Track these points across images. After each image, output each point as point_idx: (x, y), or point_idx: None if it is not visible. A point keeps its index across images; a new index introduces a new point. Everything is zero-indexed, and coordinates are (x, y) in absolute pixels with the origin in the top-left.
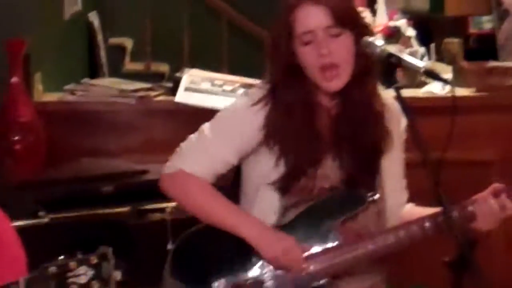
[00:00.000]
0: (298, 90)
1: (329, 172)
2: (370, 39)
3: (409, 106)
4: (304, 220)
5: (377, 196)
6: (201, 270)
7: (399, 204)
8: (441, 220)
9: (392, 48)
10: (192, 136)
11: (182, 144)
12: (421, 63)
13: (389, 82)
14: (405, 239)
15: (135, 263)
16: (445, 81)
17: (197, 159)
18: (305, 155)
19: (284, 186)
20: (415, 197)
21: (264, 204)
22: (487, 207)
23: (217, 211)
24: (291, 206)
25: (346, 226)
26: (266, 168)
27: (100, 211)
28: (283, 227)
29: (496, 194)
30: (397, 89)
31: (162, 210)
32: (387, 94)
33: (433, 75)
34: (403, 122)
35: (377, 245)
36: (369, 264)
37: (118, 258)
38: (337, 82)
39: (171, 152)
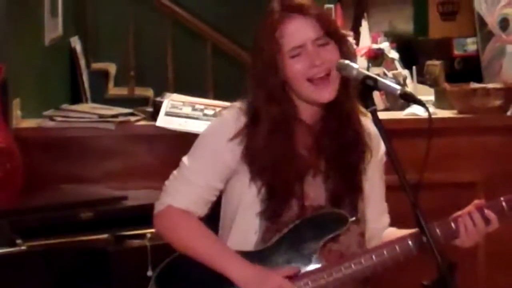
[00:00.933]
0: (281, 108)
1: (313, 192)
2: (346, 61)
3: (385, 128)
4: (287, 242)
5: (359, 216)
6: None
7: (380, 228)
8: (424, 239)
9: (375, 70)
10: (174, 171)
11: (166, 182)
12: (397, 86)
13: (366, 104)
14: (388, 259)
15: None
16: (421, 104)
17: (182, 192)
18: (289, 182)
19: (270, 215)
20: (396, 221)
21: (243, 225)
22: (470, 223)
23: (205, 252)
24: (274, 226)
25: (329, 248)
26: (244, 190)
27: (79, 238)
28: (266, 249)
29: (478, 210)
30: (374, 112)
31: (141, 236)
32: (367, 119)
33: (409, 98)
34: (383, 146)
35: (360, 266)
36: (352, 285)
37: (98, 285)
38: (330, 91)
39: (152, 177)
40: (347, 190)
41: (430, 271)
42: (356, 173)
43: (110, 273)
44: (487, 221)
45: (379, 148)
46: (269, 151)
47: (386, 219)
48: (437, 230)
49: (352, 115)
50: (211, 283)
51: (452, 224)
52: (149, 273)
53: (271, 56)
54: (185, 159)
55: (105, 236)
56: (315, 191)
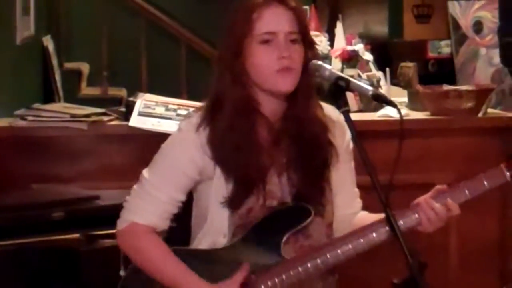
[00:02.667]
0: (246, 93)
1: (277, 189)
2: (319, 62)
3: (357, 130)
4: (253, 238)
5: (325, 208)
6: None
7: (351, 213)
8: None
9: (350, 72)
10: (135, 186)
11: (127, 197)
12: (369, 87)
13: (338, 105)
14: (356, 247)
15: None
16: (393, 105)
17: (143, 207)
18: (251, 170)
19: (233, 203)
20: None
21: (213, 225)
22: (432, 213)
23: (166, 273)
24: (241, 227)
25: (300, 243)
26: (214, 188)
27: (51, 238)
28: (231, 247)
29: (440, 198)
30: (346, 113)
31: (113, 235)
32: (331, 108)
33: (381, 99)
34: (348, 133)
35: (327, 257)
36: (319, 276)
37: (69, 285)
38: (291, 83)
39: (125, 177)
40: (311, 185)
41: (401, 269)
42: (321, 168)
43: (82, 273)
44: (449, 209)
45: (344, 136)
46: (232, 136)
47: (358, 204)
48: (401, 221)
49: (315, 111)
50: None
51: (415, 216)
52: (121, 272)
53: (241, 37)
54: (145, 172)
55: (76, 235)
56: (280, 190)
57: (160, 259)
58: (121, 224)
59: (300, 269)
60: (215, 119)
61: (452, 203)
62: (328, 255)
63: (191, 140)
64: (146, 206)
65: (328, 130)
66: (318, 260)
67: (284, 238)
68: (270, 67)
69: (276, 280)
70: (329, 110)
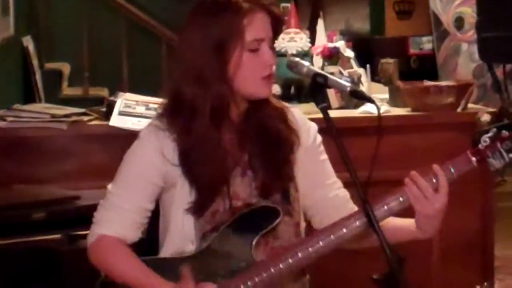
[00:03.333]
0: (221, 107)
1: (240, 190)
2: (297, 59)
3: (338, 127)
4: (222, 243)
5: (292, 207)
6: None
7: (342, 202)
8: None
9: (331, 69)
10: (101, 200)
11: (95, 212)
12: (347, 84)
13: (316, 101)
14: (328, 244)
15: None
16: (371, 101)
17: (110, 219)
18: (216, 175)
19: (197, 209)
20: None
21: (180, 232)
22: (413, 186)
23: (136, 285)
24: (209, 232)
25: (266, 242)
26: (177, 196)
27: (31, 238)
28: (200, 254)
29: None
30: (324, 109)
31: None
32: (294, 108)
33: (359, 95)
34: (313, 127)
35: (299, 256)
36: (293, 278)
37: (50, 285)
38: (270, 88)
39: (106, 177)
40: (275, 181)
41: (377, 266)
42: (282, 162)
43: (63, 273)
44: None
45: (308, 134)
46: (203, 144)
47: (343, 193)
48: (384, 207)
49: (273, 109)
50: None
51: (399, 199)
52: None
53: (230, 43)
54: (110, 186)
55: (57, 236)
56: (245, 191)
57: (128, 271)
58: (90, 238)
59: (272, 270)
60: (183, 125)
61: (439, 171)
62: (299, 254)
63: (152, 147)
64: (112, 217)
65: (291, 127)
66: (290, 260)
67: (255, 241)
68: (257, 74)
69: (249, 283)
70: (293, 109)
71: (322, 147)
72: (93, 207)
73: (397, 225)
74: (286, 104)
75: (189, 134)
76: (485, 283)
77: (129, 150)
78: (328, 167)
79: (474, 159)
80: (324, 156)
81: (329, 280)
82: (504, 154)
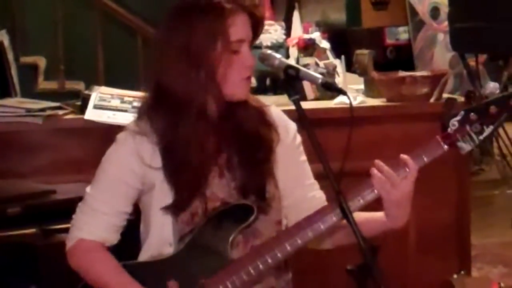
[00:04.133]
0: (203, 109)
1: (218, 191)
2: (268, 51)
3: (312, 118)
4: (198, 244)
5: (269, 205)
6: None
7: (318, 203)
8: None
9: (307, 60)
10: (80, 203)
11: (74, 215)
12: (319, 76)
13: (289, 93)
14: (303, 238)
15: (44, 284)
16: (343, 92)
17: (88, 222)
18: (196, 177)
19: (175, 209)
20: None
21: (158, 234)
22: (380, 177)
23: None
24: (187, 234)
25: (246, 241)
26: (155, 197)
27: (7, 233)
28: (177, 255)
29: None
30: (296, 101)
31: None
32: (273, 107)
33: (331, 87)
34: (292, 127)
35: (275, 252)
36: (273, 274)
37: (27, 280)
38: (249, 89)
39: (82, 171)
40: (252, 179)
41: (352, 256)
42: (260, 160)
43: (39, 267)
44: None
45: (288, 132)
46: (187, 147)
47: (319, 194)
48: (359, 198)
49: (251, 108)
50: None
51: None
52: None
53: (213, 44)
54: (88, 189)
55: (33, 230)
56: (222, 191)
57: (104, 276)
58: (69, 242)
59: (250, 268)
60: (167, 124)
61: (409, 160)
62: (276, 250)
63: (129, 150)
64: (91, 220)
65: (269, 126)
66: (267, 256)
67: (230, 239)
68: (237, 75)
69: (228, 282)
70: (270, 110)
71: (301, 148)
72: (69, 201)
73: (368, 217)
74: (262, 97)
75: (173, 133)
76: (462, 272)
77: (106, 153)
78: (307, 168)
79: (443, 143)
80: (304, 157)
81: (306, 276)
82: (474, 136)
